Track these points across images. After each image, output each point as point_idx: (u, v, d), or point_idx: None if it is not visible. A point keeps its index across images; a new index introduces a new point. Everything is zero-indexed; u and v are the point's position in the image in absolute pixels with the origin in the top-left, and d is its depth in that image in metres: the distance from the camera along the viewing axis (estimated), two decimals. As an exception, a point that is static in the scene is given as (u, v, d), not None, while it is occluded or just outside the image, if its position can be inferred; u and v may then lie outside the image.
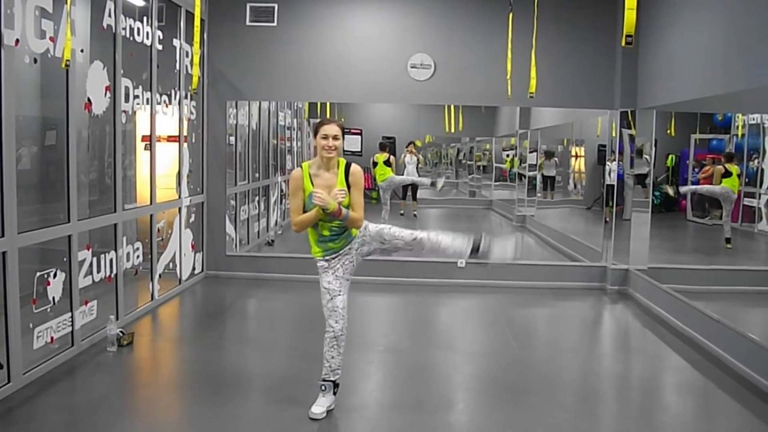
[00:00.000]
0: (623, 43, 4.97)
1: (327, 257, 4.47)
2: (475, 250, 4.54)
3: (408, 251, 4.62)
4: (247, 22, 8.49)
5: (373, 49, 8.55)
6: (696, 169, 14.30)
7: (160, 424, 4.45)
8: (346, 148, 12.38)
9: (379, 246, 4.54)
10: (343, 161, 4.45)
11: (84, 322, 5.68)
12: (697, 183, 13.46)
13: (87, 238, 5.74)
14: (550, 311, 7.71)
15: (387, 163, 11.62)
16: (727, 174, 10.94)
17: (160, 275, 7.31)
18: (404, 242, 4.50)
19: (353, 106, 12.67)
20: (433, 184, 12.87)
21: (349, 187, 4.38)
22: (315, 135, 4.38)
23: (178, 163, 7.82)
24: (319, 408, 4.42)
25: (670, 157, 15.66)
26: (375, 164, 11.60)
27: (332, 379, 4.49)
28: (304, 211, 4.38)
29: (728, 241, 10.81)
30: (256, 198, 10.54)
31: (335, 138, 4.33)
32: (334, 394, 4.52)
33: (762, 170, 12.51)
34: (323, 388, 4.48)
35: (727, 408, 4.98)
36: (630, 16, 4.72)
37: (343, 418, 4.51)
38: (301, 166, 4.45)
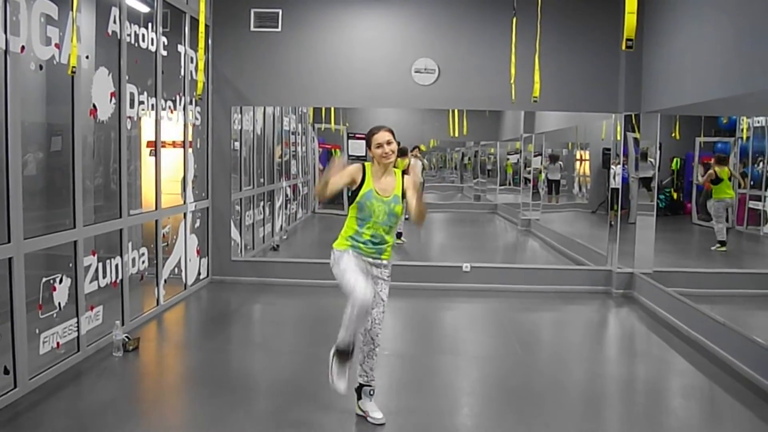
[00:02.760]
0: (624, 47, 4.97)
1: (351, 251, 4.33)
2: (342, 353, 4.30)
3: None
4: (252, 28, 8.51)
5: (377, 53, 8.56)
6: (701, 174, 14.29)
7: (166, 429, 4.46)
8: (351, 153, 12.43)
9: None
10: (399, 171, 4.46)
11: (90, 327, 5.69)
12: (701, 187, 13.45)
13: (92, 243, 5.76)
14: (556, 315, 7.70)
15: (405, 172, 11.58)
16: (718, 180, 10.89)
17: (165, 280, 7.32)
18: (366, 336, 4.45)
19: (358, 111, 12.68)
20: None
21: (404, 192, 4.40)
22: (368, 145, 4.36)
23: (183, 169, 7.84)
24: (378, 413, 4.46)
25: (675, 160, 15.65)
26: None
27: (371, 382, 4.51)
28: (355, 215, 4.35)
29: (723, 244, 10.79)
30: (261, 203, 10.56)
31: (389, 143, 4.32)
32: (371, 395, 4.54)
33: (767, 173, 12.49)
34: (371, 393, 4.51)
35: (733, 412, 4.96)
36: (630, 19, 4.72)
37: (349, 422, 4.51)
38: (363, 164, 4.40)
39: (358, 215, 4.34)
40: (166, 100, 7.21)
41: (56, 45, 5.07)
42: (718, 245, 10.82)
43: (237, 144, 9.18)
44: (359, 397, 4.55)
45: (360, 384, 4.53)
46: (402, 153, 11.63)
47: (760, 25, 5.47)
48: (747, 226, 12.40)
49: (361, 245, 4.34)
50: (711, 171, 11.04)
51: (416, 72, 8.51)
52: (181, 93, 7.66)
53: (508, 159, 15.29)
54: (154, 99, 6.89)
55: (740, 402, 5.03)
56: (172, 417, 4.72)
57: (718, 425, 4.82)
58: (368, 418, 4.46)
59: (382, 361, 5.74)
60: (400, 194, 4.38)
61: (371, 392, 4.51)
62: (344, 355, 4.27)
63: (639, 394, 5.34)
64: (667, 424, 4.64)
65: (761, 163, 12.77)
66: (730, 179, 11.01)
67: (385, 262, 4.44)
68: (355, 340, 4.27)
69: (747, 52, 5.68)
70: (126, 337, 5.82)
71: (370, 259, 4.38)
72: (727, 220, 11.10)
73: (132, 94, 6.41)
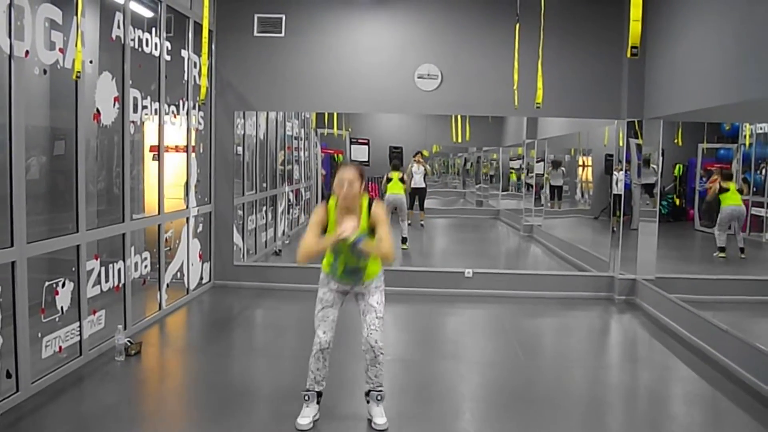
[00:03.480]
0: (629, 55, 4.98)
1: (330, 277, 4.48)
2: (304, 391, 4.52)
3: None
4: (255, 33, 8.53)
5: (380, 59, 8.58)
6: (704, 179, 14.28)
7: (168, 434, 4.47)
8: (353, 158, 12.43)
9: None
10: (365, 202, 4.36)
11: (92, 331, 5.70)
12: (704, 193, 13.44)
13: (95, 247, 5.77)
14: (558, 321, 7.69)
15: (402, 180, 11.63)
16: (724, 190, 10.91)
17: (167, 285, 7.33)
18: (362, 333, 4.46)
19: (360, 116, 12.70)
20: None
21: (372, 227, 4.33)
22: (335, 180, 4.33)
23: (186, 173, 7.85)
24: (305, 419, 4.43)
25: (677, 166, 15.65)
26: (389, 180, 11.57)
27: (317, 390, 4.53)
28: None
29: (742, 251, 10.80)
30: (264, 208, 10.57)
31: (350, 183, 4.23)
32: (318, 403, 4.55)
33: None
34: (307, 398, 4.51)
35: (735, 419, 4.96)
36: (635, 27, 4.73)
37: (351, 428, 4.51)
38: (326, 203, 4.40)
39: (331, 249, 4.39)
40: (169, 105, 7.23)
41: (60, 50, 5.08)
42: (719, 252, 10.82)
43: (240, 149, 9.19)
44: (368, 401, 4.57)
45: (368, 390, 4.56)
46: (395, 167, 11.68)
47: (762, 33, 5.47)
48: (750, 232, 12.38)
49: (338, 275, 4.42)
50: (716, 186, 11.05)
51: (419, 78, 8.52)
52: (184, 98, 7.68)
53: (512, 168, 15.31)
54: (157, 104, 6.91)
55: (742, 409, 5.03)
56: (173, 422, 4.72)
57: (720, 432, 4.82)
58: (372, 424, 4.46)
59: (383, 366, 5.75)
60: (367, 230, 4.31)
61: (378, 397, 4.52)
62: (306, 393, 4.51)
63: (641, 400, 5.34)
64: (669, 431, 4.63)
65: (764, 170, 12.76)
66: (739, 191, 11.03)
67: (366, 282, 4.46)
68: (317, 377, 4.50)
69: (749, 59, 5.69)
70: (128, 341, 5.83)
71: (349, 287, 4.48)
72: (729, 228, 11.09)
73: (135, 98, 6.42)
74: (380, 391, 4.53)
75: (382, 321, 4.49)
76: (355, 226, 4.18)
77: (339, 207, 4.36)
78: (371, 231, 4.33)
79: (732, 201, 10.90)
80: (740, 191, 11.04)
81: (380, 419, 4.45)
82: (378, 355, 4.45)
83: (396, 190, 11.69)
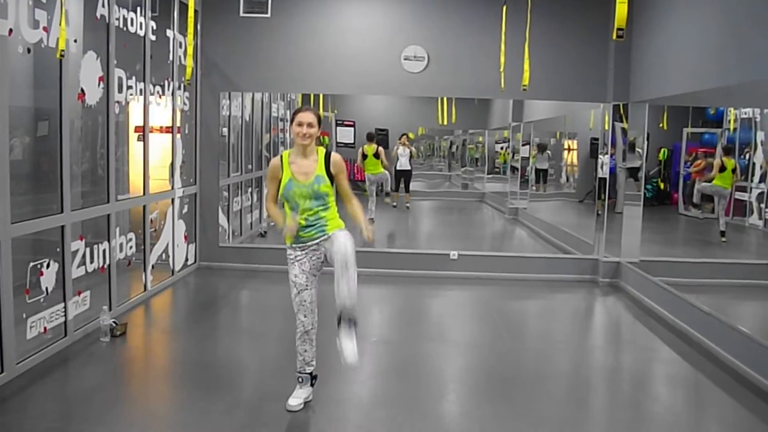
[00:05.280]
0: (614, 37, 5.00)
1: (296, 245, 4.42)
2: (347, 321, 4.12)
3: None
4: (241, 13, 8.46)
5: (367, 40, 8.54)
6: (688, 163, 14.37)
7: (153, 414, 4.46)
8: (339, 140, 12.40)
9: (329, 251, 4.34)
10: (322, 150, 4.43)
11: (77, 312, 5.68)
12: (688, 177, 13.53)
13: (80, 228, 5.74)
14: (542, 303, 7.74)
15: (376, 155, 11.45)
16: (722, 169, 10.94)
17: (153, 266, 7.31)
18: (336, 264, 4.14)
19: (346, 98, 12.66)
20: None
21: (332, 177, 4.37)
22: (291, 122, 4.37)
23: (171, 154, 7.81)
24: (295, 400, 4.45)
25: (662, 150, 15.73)
26: (365, 156, 11.46)
27: (308, 371, 4.53)
28: (287, 207, 4.39)
29: (723, 234, 10.87)
30: (249, 189, 10.54)
31: (309, 125, 4.30)
32: (312, 385, 4.56)
33: (753, 164, 12.57)
34: (300, 380, 4.52)
35: (717, 400, 5.02)
36: (621, 9, 4.75)
37: (336, 408, 4.54)
38: (280, 155, 4.44)
39: (289, 206, 4.38)
40: (154, 85, 7.18)
41: (44, 28, 5.03)
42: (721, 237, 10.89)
43: (225, 130, 9.15)
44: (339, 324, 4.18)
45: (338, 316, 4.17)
46: (370, 138, 11.56)
47: (748, 17, 5.49)
48: (733, 216, 12.48)
49: (301, 234, 4.36)
50: (718, 161, 11.05)
51: (405, 59, 8.49)
52: (169, 78, 7.62)
53: (501, 149, 15.32)
54: (142, 84, 6.86)
55: (724, 390, 5.09)
56: (158, 402, 4.73)
57: (702, 413, 4.87)
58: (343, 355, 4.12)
59: (368, 348, 5.78)
60: (324, 173, 4.34)
61: (351, 322, 4.13)
62: (300, 375, 4.53)
63: (624, 382, 5.39)
64: (651, 412, 4.69)
65: (747, 155, 12.84)
66: (734, 171, 11.04)
67: (331, 234, 4.31)
68: (305, 359, 4.51)
69: (735, 42, 5.71)
70: (113, 322, 5.82)
71: (315, 243, 4.37)
72: (713, 212, 11.16)
73: (120, 78, 6.38)
74: (353, 319, 4.13)
75: (353, 246, 4.17)
76: (293, 228, 4.30)
77: (294, 150, 4.39)
78: (329, 177, 4.35)
79: (723, 182, 10.93)
80: (734, 171, 11.07)
81: (348, 343, 4.08)
82: (351, 268, 4.08)
83: (374, 169, 11.52)
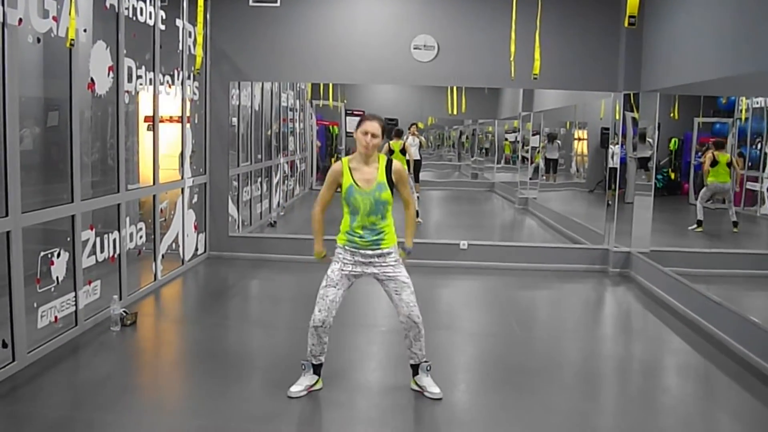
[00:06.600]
0: (626, 24, 4.96)
1: (348, 247, 4.44)
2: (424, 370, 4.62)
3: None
4: (251, 3, 8.43)
5: (377, 30, 8.50)
6: (699, 153, 14.28)
7: (163, 403, 4.48)
8: (348, 130, 12.38)
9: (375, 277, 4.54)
10: (383, 157, 4.46)
11: (88, 301, 5.71)
12: (699, 167, 13.44)
13: (90, 218, 5.75)
14: (552, 293, 7.72)
15: (402, 151, 11.39)
16: (714, 163, 10.84)
17: (163, 256, 7.33)
18: (399, 312, 4.49)
19: (356, 87, 12.65)
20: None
21: (392, 184, 4.40)
22: (356, 129, 4.38)
23: (181, 144, 7.82)
24: (297, 387, 4.48)
25: (673, 140, 15.64)
26: (391, 152, 11.33)
27: (314, 363, 4.56)
28: (347, 210, 4.45)
29: (735, 224, 10.80)
30: (259, 179, 10.55)
31: (374, 136, 4.31)
32: (317, 374, 4.58)
33: (765, 154, 12.48)
34: (303, 367, 4.55)
35: (727, 390, 5.00)
36: (633, -3, 4.71)
37: (347, 397, 4.54)
38: (341, 160, 4.45)
39: (349, 210, 4.42)
40: (164, 75, 7.18)
41: (54, 18, 5.03)
42: (696, 225, 10.80)
43: (235, 120, 9.15)
44: (415, 373, 4.62)
45: (414, 364, 4.61)
46: (398, 134, 11.53)
47: (761, 5, 5.44)
48: (744, 206, 12.42)
49: (357, 239, 4.41)
50: (710, 154, 10.99)
51: (415, 48, 8.46)
52: (179, 68, 7.62)
53: (506, 140, 15.27)
54: (152, 73, 6.86)
55: (736, 381, 5.07)
56: (169, 391, 4.74)
57: (712, 403, 4.85)
58: (425, 393, 4.52)
59: (377, 338, 5.79)
60: (385, 181, 4.37)
61: (427, 368, 4.59)
62: (303, 363, 4.57)
63: (635, 372, 5.38)
64: (662, 402, 4.67)
65: (759, 144, 12.76)
66: (729, 165, 10.94)
67: (386, 250, 4.45)
68: (313, 351, 4.53)
69: (747, 31, 5.66)
70: (124, 311, 5.84)
71: (369, 251, 4.42)
72: (723, 202, 11.10)
73: (130, 68, 6.38)
74: (428, 362, 4.59)
75: (416, 302, 4.51)
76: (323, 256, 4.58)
77: (357, 158, 4.41)
78: (390, 184, 4.38)
79: (716, 177, 10.84)
80: (729, 165, 10.97)
81: (434, 389, 4.52)
82: (421, 330, 4.49)
83: (402, 163, 11.47)
